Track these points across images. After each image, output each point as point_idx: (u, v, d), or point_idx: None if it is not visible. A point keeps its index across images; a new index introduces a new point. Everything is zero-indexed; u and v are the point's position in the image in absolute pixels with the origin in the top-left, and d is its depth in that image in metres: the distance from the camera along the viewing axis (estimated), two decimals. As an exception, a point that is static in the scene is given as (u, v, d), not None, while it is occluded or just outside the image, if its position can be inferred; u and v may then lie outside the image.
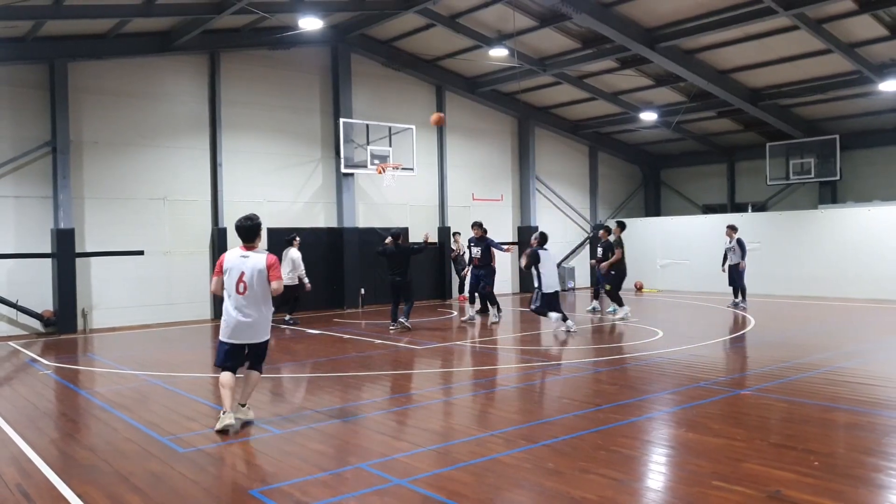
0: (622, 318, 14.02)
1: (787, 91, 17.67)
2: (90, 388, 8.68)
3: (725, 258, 16.22)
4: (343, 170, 17.14)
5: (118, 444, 6.10)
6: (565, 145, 22.75)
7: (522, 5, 14.98)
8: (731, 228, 16.11)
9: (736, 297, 16.05)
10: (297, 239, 14.68)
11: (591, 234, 23.11)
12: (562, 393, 7.94)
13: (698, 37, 14.98)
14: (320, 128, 17.51)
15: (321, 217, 17.48)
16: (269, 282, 6.46)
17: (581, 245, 22.99)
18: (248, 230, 6.50)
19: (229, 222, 15.92)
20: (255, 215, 6.64)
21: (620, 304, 14.45)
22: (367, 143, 17.23)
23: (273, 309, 6.70)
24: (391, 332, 12.88)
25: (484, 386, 8.46)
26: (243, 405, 6.69)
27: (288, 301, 14.31)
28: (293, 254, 14.36)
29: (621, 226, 15.12)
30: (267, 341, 6.68)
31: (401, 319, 13.14)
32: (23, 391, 8.50)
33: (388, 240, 13.59)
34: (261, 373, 6.82)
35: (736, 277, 15.99)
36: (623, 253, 14.65)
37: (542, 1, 14.14)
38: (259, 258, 6.46)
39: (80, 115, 14.33)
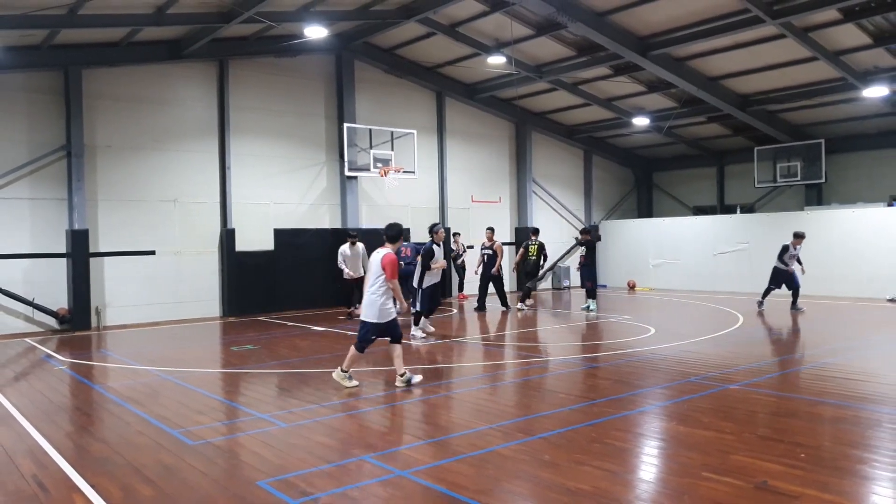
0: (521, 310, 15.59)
1: (775, 97, 17.67)
2: (103, 383, 8.68)
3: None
4: (347, 173, 17.12)
5: (130, 437, 6.10)
6: (561, 149, 22.75)
7: (520, 15, 14.98)
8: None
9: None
10: (353, 235, 14.71)
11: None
12: (557, 388, 7.94)
13: (689, 45, 14.98)
14: (325, 132, 17.50)
15: (326, 218, 17.48)
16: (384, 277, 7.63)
17: (576, 246, 22.96)
18: (389, 236, 7.95)
19: (237, 223, 15.94)
20: (398, 224, 8.07)
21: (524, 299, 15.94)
22: (370, 147, 17.23)
23: (385, 297, 7.74)
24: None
25: (482, 381, 8.46)
26: (401, 374, 7.94)
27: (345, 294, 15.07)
28: (342, 249, 14.64)
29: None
30: (389, 322, 7.81)
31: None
32: (39, 386, 8.50)
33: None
34: (398, 342, 8.00)
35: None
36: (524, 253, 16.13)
37: (539, 10, 14.14)
38: (378, 256, 7.73)
39: (94, 120, 14.33)
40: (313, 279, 16.73)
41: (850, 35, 14.07)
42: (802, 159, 19.42)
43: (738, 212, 21.15)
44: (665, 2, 13.61)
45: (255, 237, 16.21)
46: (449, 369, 9.42)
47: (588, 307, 15.18)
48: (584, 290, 15.84)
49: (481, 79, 19.07)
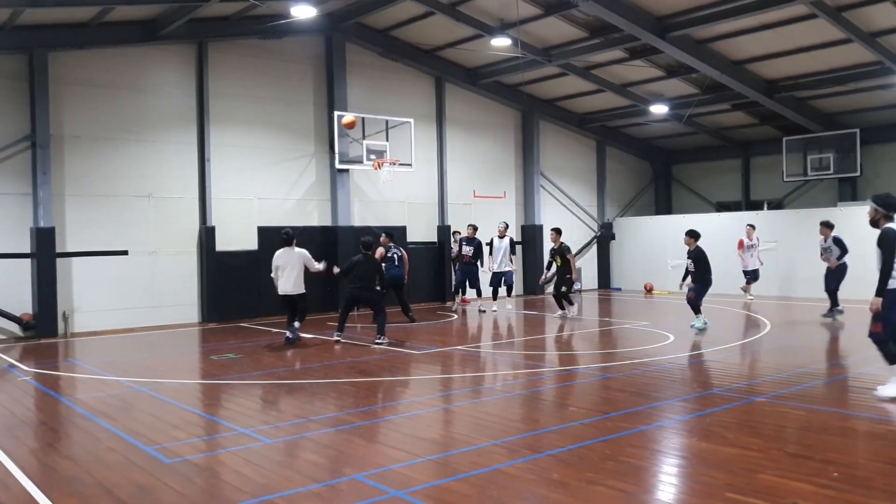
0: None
1: (805, 83, 17.66)
2: (71, 396, 8.68)
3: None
4: (337, 165, 17.11)
5: (101, 455, 6.10)
6: (571, 140, 22.75)
7: (526, -8, 14.98)
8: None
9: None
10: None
11: (599, 233, 23.14)
12: (568, 400, 7.94)
13: (711, 25, 14.97)
14: (313, 121, 17.51)
15: (314, 215, 17.48)
16: None
17: (588, 244, 23.00)
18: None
19: (218, 220, 15.94)
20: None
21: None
22: (363, 138, 17.21)
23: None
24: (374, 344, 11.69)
25: (486, 392, 8.45)
26: None
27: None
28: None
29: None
30: None
31: (378, 340, 11.80)
32: (0, 399, 8.49)
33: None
34: None
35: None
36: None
37: (547, -12, 14.14)
38: None
39: (61, 108, 14.33)
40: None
41: (887, 14, 14.06)
42: (835, 151, 19.42)
43: (766, 208, 21.15)
44: (685, -22, 13.64)
45: (237, 236, 16.22)
46: (449, 380, 9.42)
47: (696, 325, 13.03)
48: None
49: (484, 63, 19.08)
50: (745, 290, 17.99)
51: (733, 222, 20.43)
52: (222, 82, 16.17)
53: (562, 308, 15.21)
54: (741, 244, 17.78)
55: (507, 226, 17.32)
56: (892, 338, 7.33)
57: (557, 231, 15.60)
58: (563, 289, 15.09)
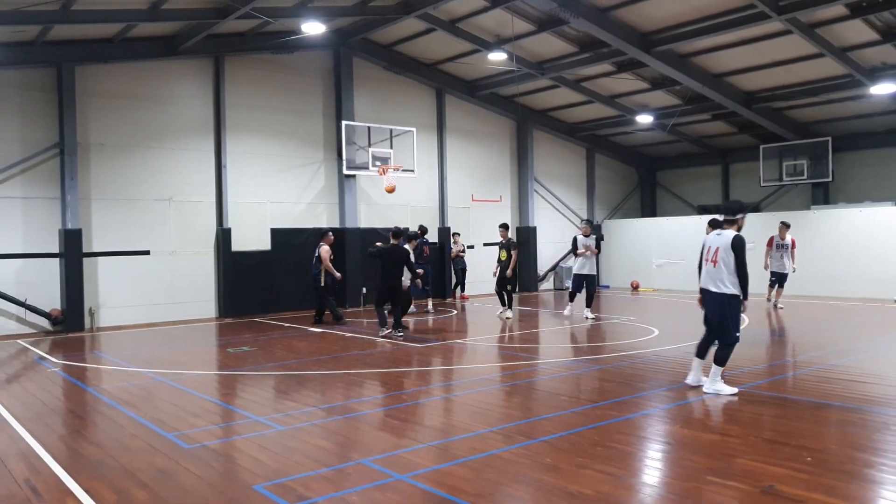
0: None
1: (781, 94, 17.67)
2: (97, 386, 8.68)
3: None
4: (345, 171, 17.13)
5: (125, 441, 6.10)
6: (563, 147, 22.75)
7: (521, 10, 14.98)
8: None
9: None
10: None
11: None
12: (559, 390, 7.94)
13: (693, 41, 14.99)
14: (323, 130, 17.51)
15: (324, 218, 17.47)
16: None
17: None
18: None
19: (233, 223, 15.94)
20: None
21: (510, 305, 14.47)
22: (369, 145, 17.23)
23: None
24: (399, 336, 11.84)
25: (483, 383, 8.45)
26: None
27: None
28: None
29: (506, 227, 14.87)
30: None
31: (397, 332, 11.94)
32: (31, 388, 8.50)
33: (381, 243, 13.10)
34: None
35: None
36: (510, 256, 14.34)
37: (541, 6, 14.15)
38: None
39: (88, 118, 14.33)
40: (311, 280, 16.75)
41: (857, 31, 14.08)
42: (809, 157, 19.43)
43: (744, 211, 21.13)
44: (669, -3, 13.63)
45: (251, 237, 16.22)
46: (448, 371, 9.42)
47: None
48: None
49: (482, 76, 19.08)
50: (770, 294, 15.53)
51: (714, 224, 20.42)
52: (238, 94, 16.17)
53: (503, 305, 14.44)
54: (770, 242, 15.24)
55: (590, 223, 15.06)
56: None
57: (504, 226, 14.73)
58: (509, 287, 14.33)
